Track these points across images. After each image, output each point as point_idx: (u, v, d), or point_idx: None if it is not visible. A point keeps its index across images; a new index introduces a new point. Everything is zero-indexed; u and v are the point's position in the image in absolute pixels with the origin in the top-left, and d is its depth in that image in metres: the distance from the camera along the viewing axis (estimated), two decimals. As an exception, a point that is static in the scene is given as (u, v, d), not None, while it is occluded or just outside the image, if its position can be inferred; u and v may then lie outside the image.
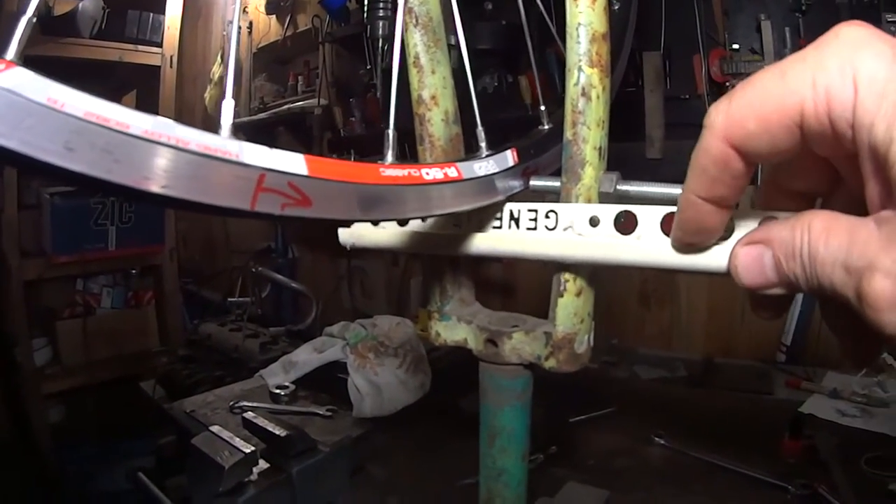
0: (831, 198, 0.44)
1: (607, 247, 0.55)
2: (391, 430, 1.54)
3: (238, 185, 0.36)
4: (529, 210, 0.60)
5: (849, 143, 0.33)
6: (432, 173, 0.49)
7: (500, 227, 0.62)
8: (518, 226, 0.61)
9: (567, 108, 0.59)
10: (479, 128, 0.64)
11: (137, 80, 3.88)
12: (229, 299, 3.04)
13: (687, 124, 2.18)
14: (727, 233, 0.47)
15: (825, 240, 0.35)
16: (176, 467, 1.74)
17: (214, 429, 1.20)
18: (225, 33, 4.04)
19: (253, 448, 1.13)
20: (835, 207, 0.39)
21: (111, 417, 3.48)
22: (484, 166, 0.56)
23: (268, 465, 1.19)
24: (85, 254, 3.47)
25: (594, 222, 0.56)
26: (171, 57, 3.76)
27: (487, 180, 0.56)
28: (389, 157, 0.49)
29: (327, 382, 1.72)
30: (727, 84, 2.08)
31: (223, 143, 0.36)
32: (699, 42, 2.13)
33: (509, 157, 0.61)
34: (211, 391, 1.79)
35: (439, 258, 0.72)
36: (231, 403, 1.62)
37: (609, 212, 0.55)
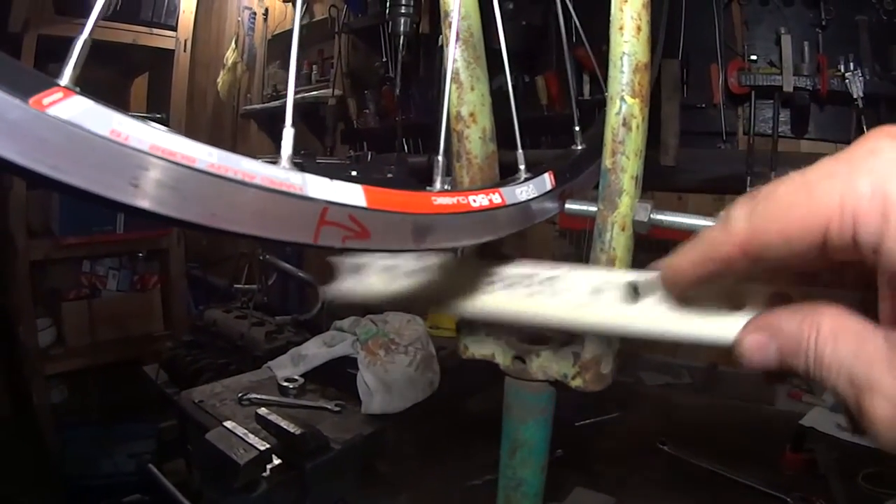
0: (835, 275, 0.43)
1: (612, 316, 0.51)
2: (400, 428, 1.55)
3: (302, 220, 0.36)
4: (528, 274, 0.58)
5: (870, 263, 0.33)
6: (478, 200, 0.49)
7: (501, 290, 0.59)
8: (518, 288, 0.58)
9: (607, 137, 0.60)
10: (520, 150, 0.64)
11: (150, 63, 3.87)
12: (235, 286, 3.03)
13: (702, 133, 2.19)
14: (737, 305, 0.46)
15: (832, 345, 0.35)
16: (176, 451, 1.75)
17: (228, 424, 1.21)
18: (240, 19, 4.03)
19: (268, 446, 1.14)
20: (839, 283, 0.41)
21: (113, 400, 3.49)
22: (525, 191, 0.57)
23: (280, 461, 1.20)
24: (93, 236, 3.47)
25: (598, 293, 0.54)
26: (186, 41, 3.74)
27: (528, 204, 0.56)
28: (438, 183, 0.50)
29: (336, 377, 1.73)
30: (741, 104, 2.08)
31: (287, 177, 0.35)
32: (717, 52, 2.13)
33: (547, 181, 0.61)
34: (219, 381, 1.79)
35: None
36: (240, 395, 1.63)
37: (615, 280, 0.51)
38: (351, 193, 0.39)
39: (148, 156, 0.29)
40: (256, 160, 0.34)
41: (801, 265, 0.39)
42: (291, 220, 0.36)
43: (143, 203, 0.29)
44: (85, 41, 0.30)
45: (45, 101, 0.26)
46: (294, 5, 3.54)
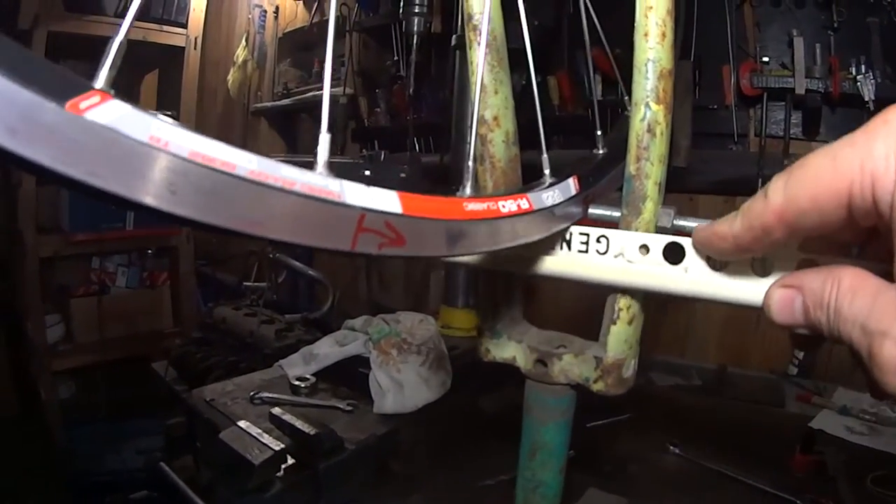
0: (868, 247, 0.47)
1: (656, 276, 0.57)
2: (412, 428, 1.55)
3: (340, 227, 0.36)
4: (581, 233, 0.62)
5: (887, 220, 0.36)
6: (507, 206, 0.50)
7: (552, 249, 0.63)
8: (570, 248, 0.62)
9: (632, 143, 0.60)
10: (545, 155, 0.64)
11: (161, 60, 3.87)
12: (245, 283, 3.03)
13: (714, 135, 2.19)
14: (768, 269, 0.51)
15: (850, 299, 0.39)
16: (184, 448, 1.76)
17: (242, 424, 1.21)
18: (250, 17, 4.03)
19: (283, 446, 1.14)
20: (870, 255, 0.45)
21: (121, 396, 3.50)
22: (551, 196, 0.57)
23: (294, 461, 1.21)
24: (102, 232, 3.48)
25: (644, 251, 0.58)
26: (196, 38, 3.75)
27: (552, 210, 0.57)
28: (468, 189, 0.50)
29: (348, 376, 1.73)
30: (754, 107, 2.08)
31: (326, 183, 0.35)
32: (730, 54, 2.13)
33: (572, 186, 0.62)
34: (230, 380, 1.79)
35: (493, 278, 0.73)
36: (251, 394, 1.63)
37: (659, 241, 0.57)
38: (387, 200, 0.39)
39: (187, 162, 0.29)
40: (294, 167, 0.34)
41: (832, 232, 0.42)
42: (330, 226, 0.36)
43: (182, 210, 0.28)
44: (121, 43, 0.30)
45: (83, 105, 0.26)
46: (322, 8, 3.54)
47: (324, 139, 0.38)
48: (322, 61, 3.56)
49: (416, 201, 0.41)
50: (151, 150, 0.27)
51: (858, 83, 1.86)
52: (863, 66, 1.87)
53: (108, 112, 0.26)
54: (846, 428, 1.63)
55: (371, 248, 0.38)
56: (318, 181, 0.35)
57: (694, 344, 2.34)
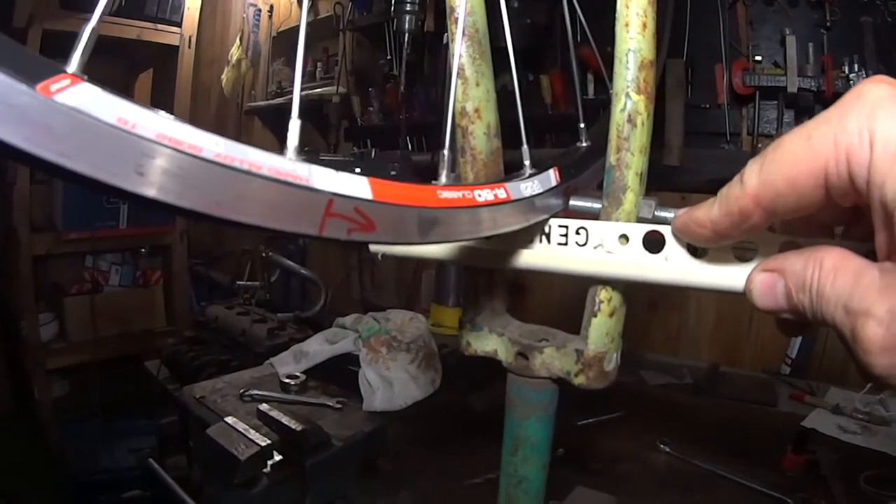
0: (851, 228, 0.46)
1: (636, 266, 0.57)
2: (401, 426, 1.55)
3: (307, 211, 0.36)
4: (560, 226, 0.61)
5: (865, 197, 0.36)
6: (483, 195, 0.49)
7: (531, 242, 0.63)
8: (549, 241, 0.62)
9: (612, 134, 0.60)
10: (525, 146, 0.64)
11: (155, 59, 3.88)
12: (238, 282, 3.04)
13: (706, 133, 2.19)
14: (750, 254, 0.51)
15: (832, 280, 0.38)
16: (177, 447, 1.76)
17: (230, 420, 1.21)
18: (244, 16, 4.03)
19: (269, 441, 1.14)
20: (854, 236, 0.44)
21: (114, 395, 3.50)
22: (529, 186, 0.57)
23: (281, 457, 1.21)
24: (95, 231, 3.48)
25: (624, 240, 0.58)
26: (190, 37, 3.76)
27: (532, 200, 0.56)
28: (444, 178, 0.50)
29: (337, 374, 1.73)
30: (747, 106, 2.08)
31: (293, 168, 0.35)
32: (722, 52, 2.13)
33: (552, 177, 0.61)
34: (220, 377, 1.79)
35: (476, 270, 0.73)
36: (241, 391, 1.63)
37: (638, 231, 0.57)
38: (357, 185, 0.38)
39: (154, 144, 0.28)
40: (263, 151, 0.34)
41: (812, 215, 0.43)
42: (297, 211, 0.35)
43: (148, 191, 0.28)
44: (93, 29, 0.30)
45: (53, 87, 0.26)
46: (316, 7, 3.54)
47: (294, 125, 0.38)
48: (316, 60, 3.57)
49: (387, 187, 0.40)
50: (119, 132, 0.27)
51: (851, 82, 1.86)
52: (855, 65, 1.88)
53: (77, 94, 0.27)
54: (839, 427, 1.63)
55: (340, 233, 0.38)
56: (285, 165, 0.35)
57: (686, 343, 2.34)
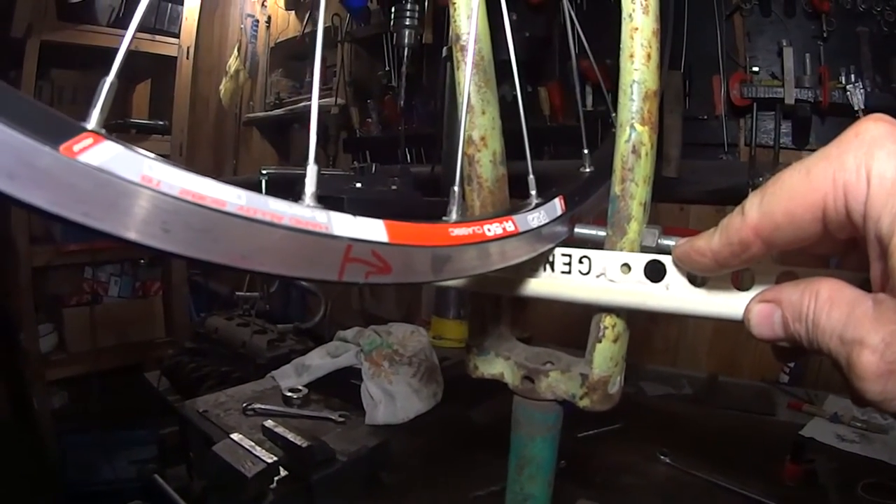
0: (846, 258, 0.48)
1: (638, 294, 0.58)
2: (404, 439, 1.55)
3: (328, 258, 0.36)
4: (563, 255, 0.62)
5: (861, 231, 0.37)
6: (493, 229, 0.50)
7: (535, 270, 0.64)
8: (553, 269, 0.63)
9: (617, 164, 0.61)
10: (531, 175, 0.65)
11: (153, 70, 3.88)
12: (237, 293, 3.03)
13: (704, 144, 2.20)
14: (747, 284, 0.52)
15: (828, 310, 0.40)
16: (177, 458, 1.76)
17: (235, 437, 1.22)
18: (242, 27, 4.04)
19: (275, 458, 1.15)
20: (848, 265, 0.46)
21: (114, 406, 3.49)
22: (536, 217, 0.58)
23: (286, 473, 1.21)
24: (94, 242, 3.46)
25: (626, 269, 0.59)
26: (188, 48, 3.77)
27: (539, 231, 0.57)
28: (454, 214, 0.51)
29: (340, 387, 1.73)
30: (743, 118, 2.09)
31: (313, 216, 0.35)
32: (720, 64, 2.15)
33: (557, 206, 0.62)
34: (223, 391, 1.79)
35: (480, 296, 0.74)
36: (244, 405, 1.63)
37: (640, 260, 0.58)
38: (373, 229, 0.39)
39: (178, 201, 0.29)
40: (282, 200, 0.34)
41: (810, 247, 0.44)
42: (318, 258, 0.36)
43: (174, 248, 0.29)
44: (112, 83, 0.31)
45: (76, 147, 0.26)
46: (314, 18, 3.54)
47: (311, 171, 0.38)
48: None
49: (402, 229, 0.41)
50: (143, 189, 0.28)
51: (848, 92, 1.87)
52: (852, 76, 1.89)
53: (100, 153, 0.27)
54: (837, 436, 1.64)
55: (358, 277, 0.39)
56: (305, 214, 0.35)
57: (685, 353, 2.35)
